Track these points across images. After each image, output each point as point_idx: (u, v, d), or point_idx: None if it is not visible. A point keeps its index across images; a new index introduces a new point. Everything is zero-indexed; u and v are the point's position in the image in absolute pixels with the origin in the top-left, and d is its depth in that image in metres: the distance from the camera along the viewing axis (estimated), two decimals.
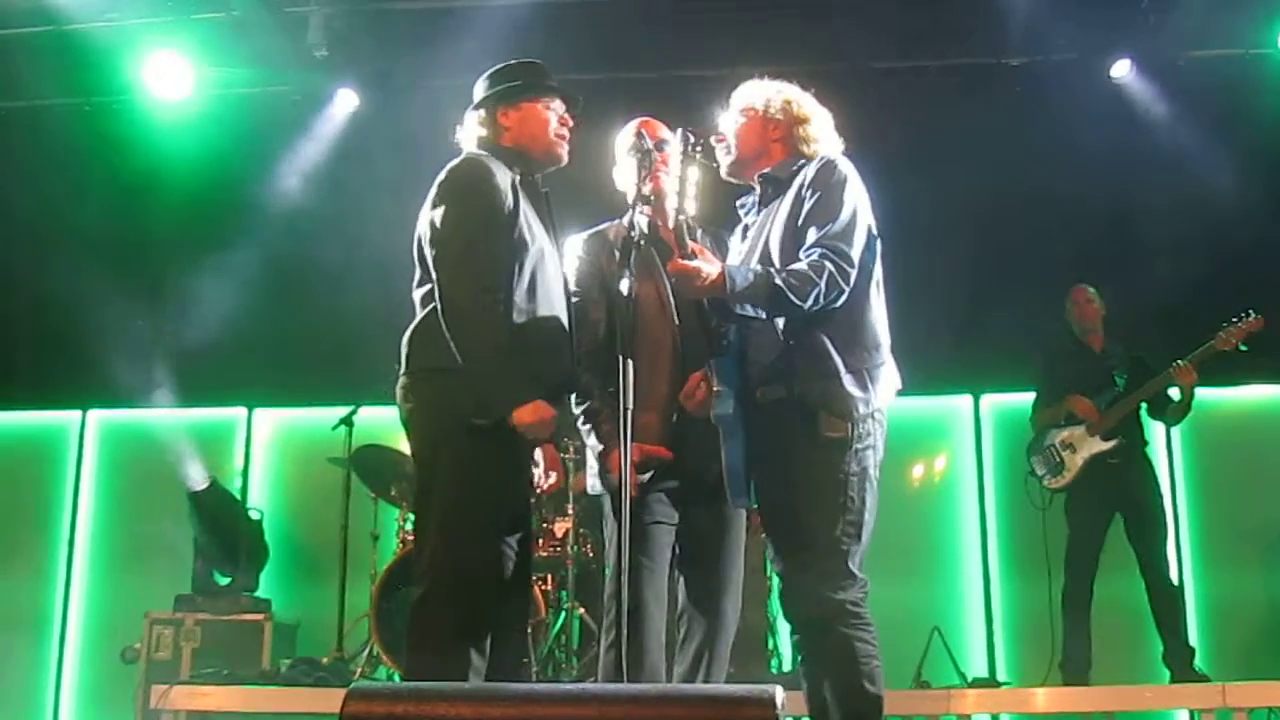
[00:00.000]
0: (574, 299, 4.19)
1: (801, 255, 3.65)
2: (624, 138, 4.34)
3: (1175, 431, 7.77)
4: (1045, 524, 6.94)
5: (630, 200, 4.11)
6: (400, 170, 6.87)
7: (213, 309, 7.79)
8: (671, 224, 3.57)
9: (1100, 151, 7.59)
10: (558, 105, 4.16)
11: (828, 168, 3.79)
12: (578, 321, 4.16)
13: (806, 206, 3.73)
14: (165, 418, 8.17)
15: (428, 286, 3.94)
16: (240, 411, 8.67)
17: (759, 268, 3.68)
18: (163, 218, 8.08)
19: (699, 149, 3.75)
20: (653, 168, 4.09)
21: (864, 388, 3.67)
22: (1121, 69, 7.74)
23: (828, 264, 3.59)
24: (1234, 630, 7.64)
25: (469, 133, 4.15)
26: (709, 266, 3.57)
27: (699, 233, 4.25)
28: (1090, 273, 7.17)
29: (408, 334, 3.99)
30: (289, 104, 8.20)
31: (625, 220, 4.08)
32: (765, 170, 3.94)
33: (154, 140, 7.98)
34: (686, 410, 3.97)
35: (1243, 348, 6.47)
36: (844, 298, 3.64)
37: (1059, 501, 6.92)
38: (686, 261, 3.55)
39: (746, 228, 4.03)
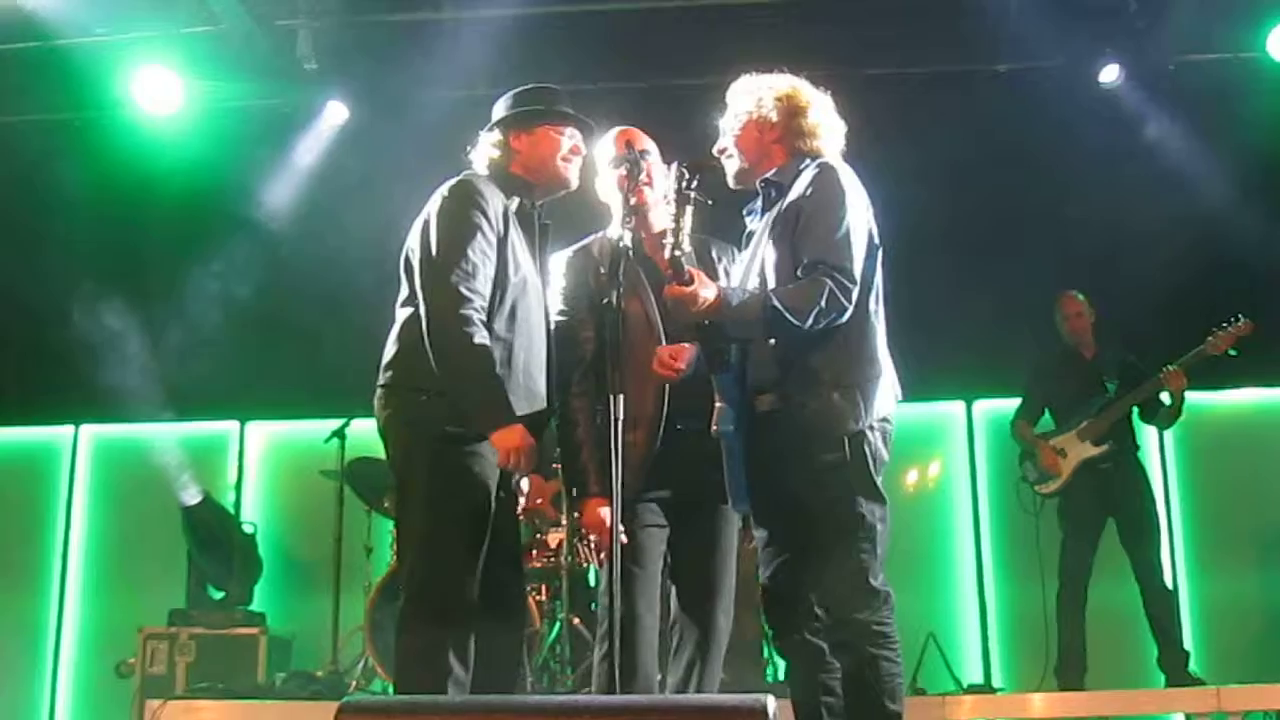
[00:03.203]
0: (563, 317, 4.22)
1: (800, 273, 3.59)
2: (605, 148, 4.33)
3: (1168, 435, 7.79)
4: (1039, 529, 6.95)
5: (615, 213, 4.13)
6: (390, 182, 6.88)
7: (204, 323, 7.79)
8: (667, 256, 3.51)
9: (1090, 156, 7.59)
10: (572, 132, 4.18)
11: (825, 176, 3.71)
12: (567, 341, 4.19)
13: (802, 219, 3.66)
14: (158, 432, 8.17)
15: (409, 301, 3.97)
16: (233, 425, 8.66)
17: (757, 289, 3.65)
18: (154, 232, 8.06)
19: (694, 186, 3.59)
20: (636, 180, 4.08)
21: (856, 403, 3.60)
22: (1110, 74, 7.72)
23: (828, 282, 3.52)
24: (1228, 633, 7.65)
25: (480, 153, 4.18)
26: (706, 291, 3.53)
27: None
28: (1081, 277, 7.19)
29: (387, 346, 4.02)
30: (278, 117, 8.17)
31: (609, 233, 4.09)
32: (768, 175, 3.88)
33: (144, 155, 7.95)
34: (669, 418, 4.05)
35: (1232, 352, 6.50)
36: (846, 315, 3.58)
37: (1051, 506, 6.94)
38: (683, 287, 3.50)
39: (751, 234, 3.98)
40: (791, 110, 3.87)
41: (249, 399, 8.36)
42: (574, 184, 4.20)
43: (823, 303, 3.51)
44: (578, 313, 4.22)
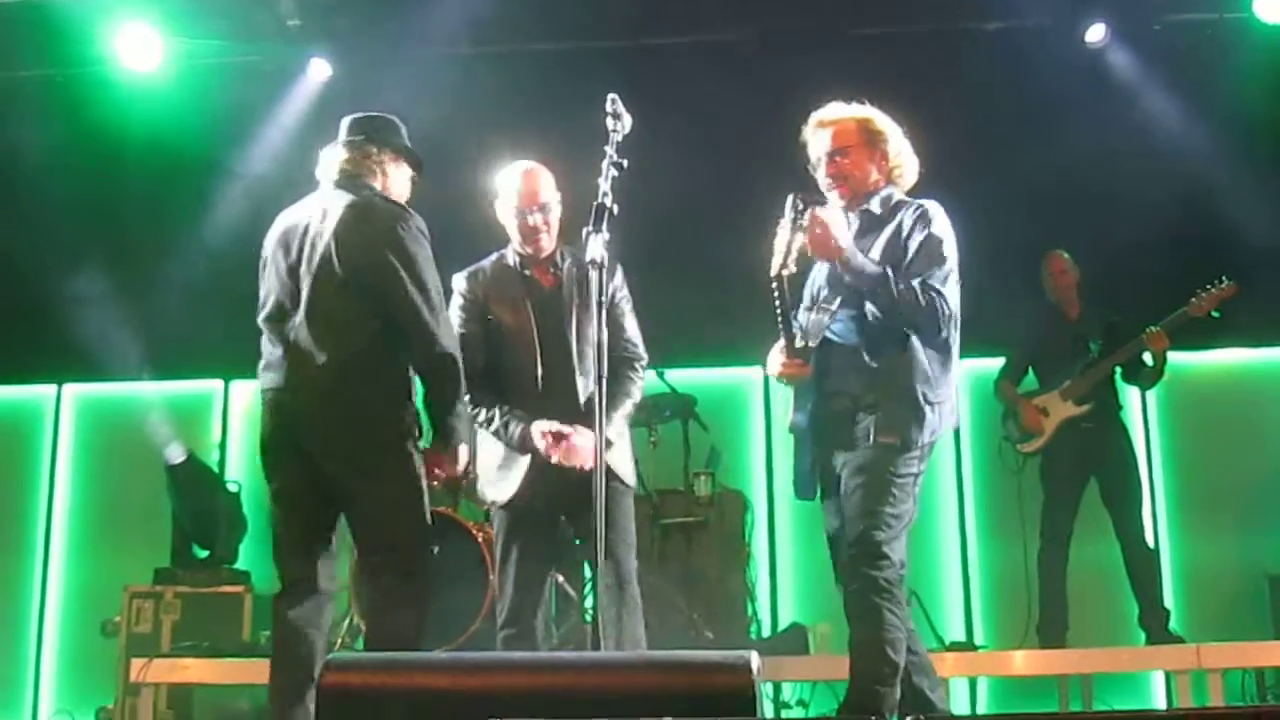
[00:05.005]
0: (462, 330, 4.57)
1: (915, 285, 3.99)
2: (510, 178, 4.61)
3: (1151, 395, 7.83)
4: (1021, 487, 6.98)
5: (511, 237, 4.62)
6: None
7: (187, 280, 7.76)
8: (774, 273, 4.01)
9: (1076, 116, 7.58)
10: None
11: (927, 218, 4.16)
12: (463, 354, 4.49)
13: (911, 252, 4.09)
14: (142, 391, 8.14)
15: (359, 316, 4.24)
16: (217, 384, 8.63)
17: (883, 266, 4.03)
18: (136, 189, 8.01)
19: (804, 215, 3.99)
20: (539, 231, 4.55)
21: (934, 419, 4.06)
22: (1096, 34, 7.70)
23: (936, 300, 4.02)
24: (1209, 592, 7.70)
25: (397, 177, 4.50)
26: (843, 238, 3.98)
27: (568, 260, 4.62)
28: (1065, 238, 7.18)
29: (324, 336, 4.27)
30: (261, 74, 8.10)
31: (504, 257, 4.64)
32: (865, 205, 4.26)
33: (126, 111, 7.88)
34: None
35: (1215, 314, 6.52)
36: (935, 338, 4.07)
37: (1034, 465, 6.96)
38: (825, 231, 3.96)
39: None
40: (896, 149, 4.35)
41: (233, 357, 8.27)
42: None
43: (924, 309, 4.01)
44: (470, 326, 4.57)
